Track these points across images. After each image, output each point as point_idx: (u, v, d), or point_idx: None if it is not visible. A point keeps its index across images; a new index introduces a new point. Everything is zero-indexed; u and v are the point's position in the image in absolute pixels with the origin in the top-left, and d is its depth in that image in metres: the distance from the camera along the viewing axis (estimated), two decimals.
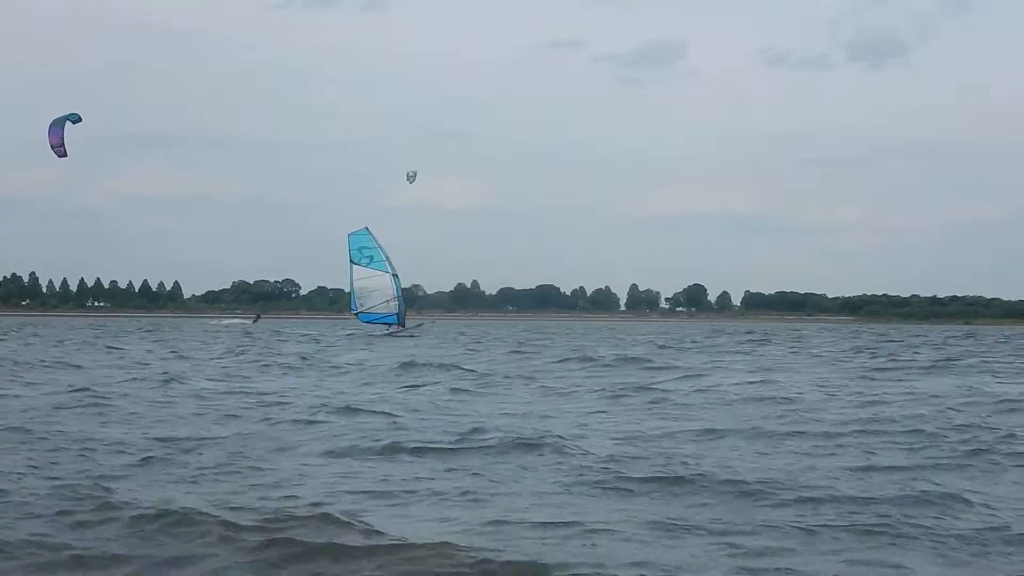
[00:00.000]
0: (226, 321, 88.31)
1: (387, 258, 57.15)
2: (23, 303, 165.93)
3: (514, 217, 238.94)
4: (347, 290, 59.66)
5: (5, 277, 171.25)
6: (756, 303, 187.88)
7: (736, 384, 20.72)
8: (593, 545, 7.06)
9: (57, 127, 34.94)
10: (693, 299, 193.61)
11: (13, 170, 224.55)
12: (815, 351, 40.62)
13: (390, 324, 55.86)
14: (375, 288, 56.61)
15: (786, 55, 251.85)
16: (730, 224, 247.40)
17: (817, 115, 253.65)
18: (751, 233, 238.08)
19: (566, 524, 7.55)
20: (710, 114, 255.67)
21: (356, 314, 57.50)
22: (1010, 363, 32.06)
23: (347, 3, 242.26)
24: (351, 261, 56.85)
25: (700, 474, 9.52)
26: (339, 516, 7.57)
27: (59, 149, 34.55)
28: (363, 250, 56.71)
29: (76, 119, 35.34)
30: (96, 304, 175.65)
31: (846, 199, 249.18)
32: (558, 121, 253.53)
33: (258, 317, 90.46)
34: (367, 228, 57.26)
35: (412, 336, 53.36)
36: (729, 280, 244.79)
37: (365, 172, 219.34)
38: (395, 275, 56.94)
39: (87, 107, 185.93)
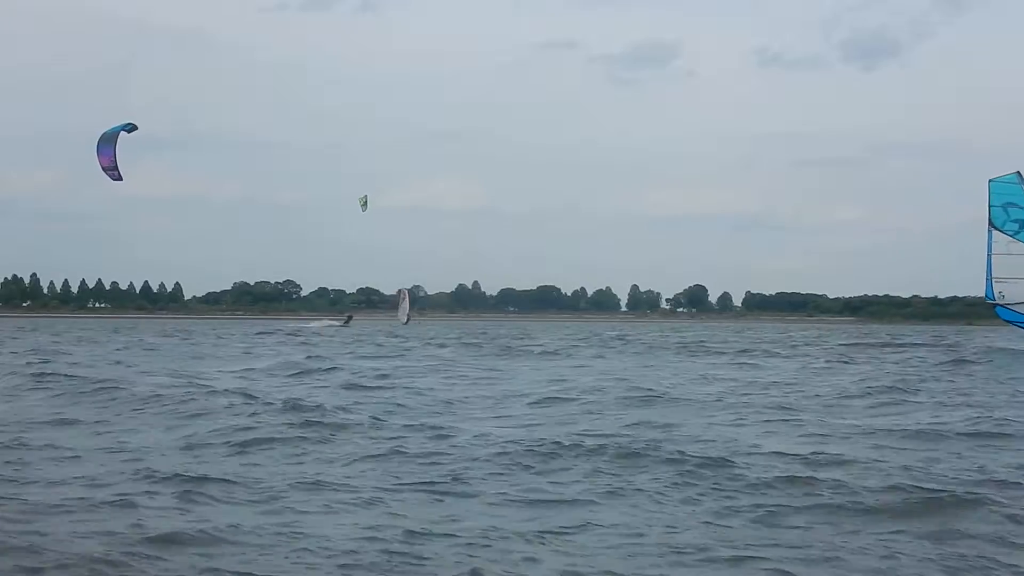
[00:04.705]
0: (314, 324, 78.72)
1: None
2: (24, 305, 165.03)
3: (514, 217, 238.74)
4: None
5: (6, 278, 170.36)
6: (757, 304, 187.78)
7: None
8: None
9: (107, 146, 29.90)
10: (694, 300, 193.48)
11: (13, 170, 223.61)
12: None
13: None
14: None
15: (781, 55, 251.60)
16: (730, 224, 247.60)
17: (815, 115, 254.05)
18: (751, 233, 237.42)
19: None
20: (707, 114, 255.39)
21: (994, 306, 39.27)
22: None
23: (341, 5, 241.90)
24: (990, 224, 37.76)
25: None
26: None
27: (112, 172, 29.88)
28: (1009, 209, 37.15)
29: (131, 128, 30.51)
30: (97, 305, 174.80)
31: (846, 199, 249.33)
32: (557, 121, 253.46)
33: (349, 318, 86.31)
34: (1019, 172, 38.04)
35: None
36: (730, 281, 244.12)
37: (365, 172, 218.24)
38: None
39: (86, 107, 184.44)
